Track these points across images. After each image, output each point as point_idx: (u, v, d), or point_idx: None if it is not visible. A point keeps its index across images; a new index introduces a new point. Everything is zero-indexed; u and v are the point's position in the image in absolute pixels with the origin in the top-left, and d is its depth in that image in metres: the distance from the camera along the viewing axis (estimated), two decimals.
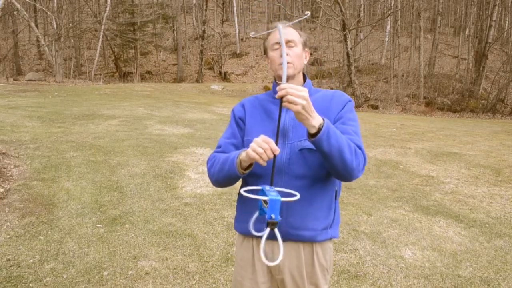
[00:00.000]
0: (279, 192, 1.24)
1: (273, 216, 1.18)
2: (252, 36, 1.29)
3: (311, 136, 1.28)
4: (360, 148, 1.39)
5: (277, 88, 1.22)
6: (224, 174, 1.45)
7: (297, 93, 1.19)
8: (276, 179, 1.44)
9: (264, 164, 1.26)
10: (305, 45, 1.52)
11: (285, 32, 1.46)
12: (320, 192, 1.47)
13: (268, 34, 1.52)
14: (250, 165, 1.38)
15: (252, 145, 1.25)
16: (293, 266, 1.49)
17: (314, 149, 1.38)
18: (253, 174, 1.48)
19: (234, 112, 1.60)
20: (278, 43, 1.46)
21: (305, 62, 1.54)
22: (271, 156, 1.23)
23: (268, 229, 1.19)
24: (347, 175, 1.36)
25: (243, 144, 1.54)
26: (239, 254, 1.61)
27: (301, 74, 1.55)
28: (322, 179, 1.46)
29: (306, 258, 1.51)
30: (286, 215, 1.44)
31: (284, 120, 1.47)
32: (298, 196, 1.24)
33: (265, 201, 1.22)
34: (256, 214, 1.36)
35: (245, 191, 1.29)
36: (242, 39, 31.20)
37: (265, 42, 1.54)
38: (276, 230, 1.20)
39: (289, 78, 1.49)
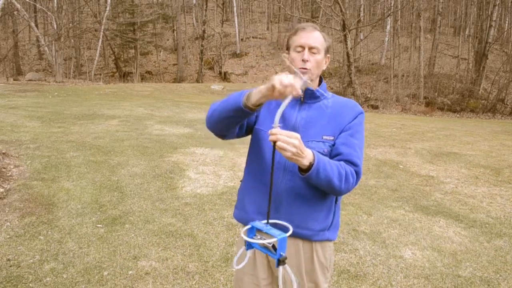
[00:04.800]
0: (273, 224, 1.28)
1: (282, 253, 1.22)
2: (284, 57, 1.31)
3: (302, 171, 1.34)
4: (356, 165, 1.43)
5: (269, 131, 1.24)
6: (224, 105, 1.40)
7: (287, 140, 1.22)
8: (280, 175, 1.47)
9: (274, 97, 1.23)
10: (327, 51, 1.54)
11: (312, 36, 1.48)
12: (321, 194, 1.48)
13: (295, 33, 1.53)
14: (258, 106, 1.34)
15: (278, 77, 1.21)
16: (292, 263, 1.50)
17: (319, 152, 1.41)
18: (260, 166, 1.51)
19: None
20: (302, 47, 1.48)
21: (324, 68, 1.56)
22: (293, 93, 1.20)
23: (281, 267, 1.22)
24: (334, 195, 1.50)
25: (252, 130, 1.57)
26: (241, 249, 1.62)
27: (317, 78, 1.58)
28: None
29: (305, 255, 1.53)
30: (286, 212, 1.47)
31: (296, 119, 1.51)
32: (291, 230, 1.28)
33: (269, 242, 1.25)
34: (240, 251, 1.41)
35: (244, 232, 1.30)
36: (242, 39, 31.19)
37: (289, 39, 1.54)
38: (287, 266, 1.24)
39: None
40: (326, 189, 1.39)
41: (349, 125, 1.50)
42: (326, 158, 1.38)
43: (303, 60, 1.47)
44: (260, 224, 1.28)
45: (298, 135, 1.24)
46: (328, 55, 1.56)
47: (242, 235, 1.27)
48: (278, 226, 1.32)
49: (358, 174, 1.43)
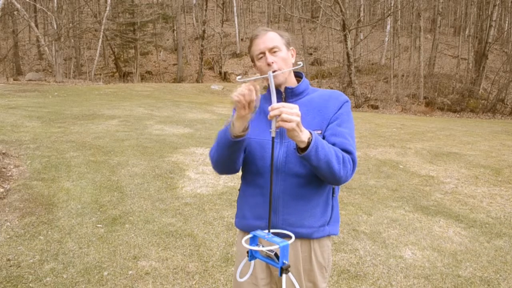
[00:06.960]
0: (275, 234, 1.27)
1: (285, 261, 1.20)
2: (238, 80, 1.31)
3: (301, 150, 1.31)
4: (350, 153, 1.41)
5: (269, 108, 1.22)
6: (219, 149, 1.45)
7: (290, 111, 1.21)
8: (274, 177, 1.46)
9: (245, 112, 1.29)
10: (288, 44, 1.54)
11: (267, 38, 1.49)
12: (316, 190, 1.48)
13: (251, 44, 1.53)
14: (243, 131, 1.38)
15: (237, 90, 1.27)
16: (290, 263, 1.49)
17: None
18: (252, 172, 1.51)
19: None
20: (262, 53, 1.48)
21: (293, 60, 1.56)
22: (252, 98, 1.26)
23: (284, 276, 1.20)
24: (335, 182, 1.42)
25: None
26: (240, 251, 1.63)
27: (292, 74, 1.57)
28: (318, 177, 1.47)
29: (303, 255, 1.53)
30: (283, 213, 1.47)
31: None
32: (293, 238, 1.27)
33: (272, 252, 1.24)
34: (243, 262, 1.39)
35: (246, 241, 1.29)
36: (242, 39, 31.19)
37: (250, 51, 1.55)
38: (290, 274, 1.22)
39: (282, 84, 1.52)
40: (326, 173, 1.36)
41: (335, 115, 1.48)
42: (322, 139, 1.36)
43: (268, 65, 1.46)
44: (262, 233, 1.27)
45: (297, 106, 1.24)
46: (291, 48, 1.56)
47: (244, 244, 1.25)
48: (280, 234, 1.31)
49: (354, 161, 1.41)
